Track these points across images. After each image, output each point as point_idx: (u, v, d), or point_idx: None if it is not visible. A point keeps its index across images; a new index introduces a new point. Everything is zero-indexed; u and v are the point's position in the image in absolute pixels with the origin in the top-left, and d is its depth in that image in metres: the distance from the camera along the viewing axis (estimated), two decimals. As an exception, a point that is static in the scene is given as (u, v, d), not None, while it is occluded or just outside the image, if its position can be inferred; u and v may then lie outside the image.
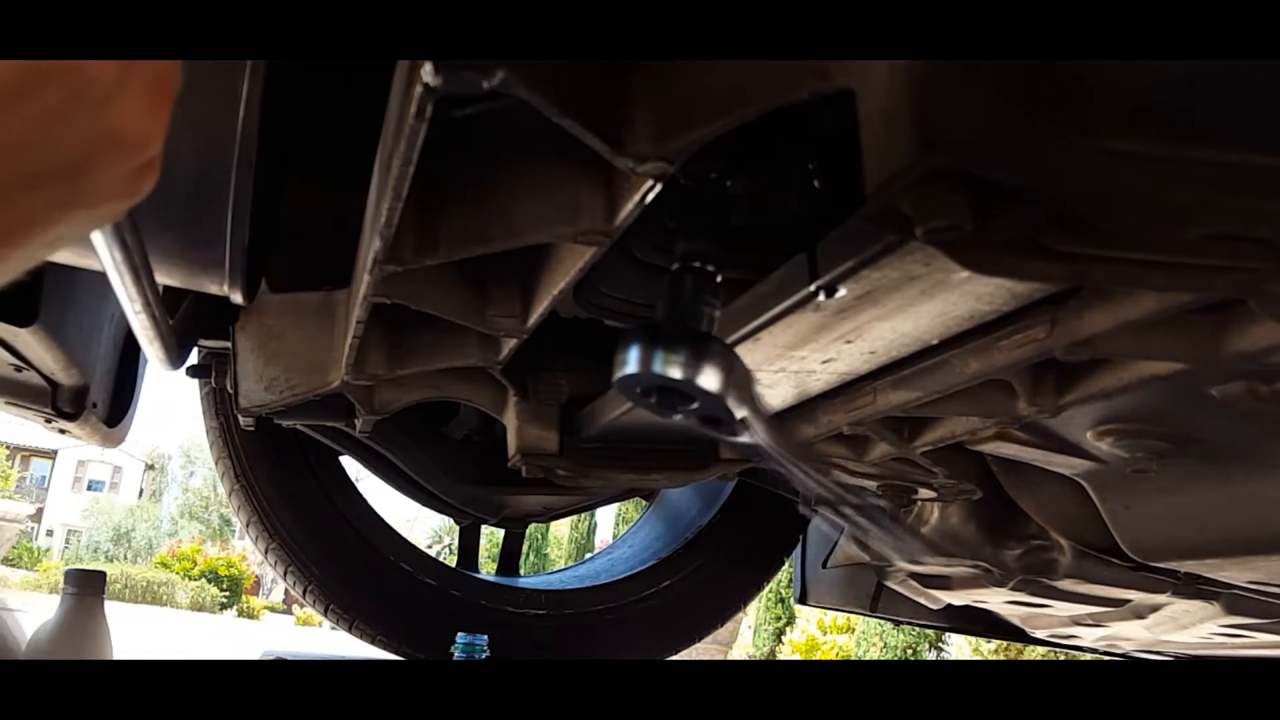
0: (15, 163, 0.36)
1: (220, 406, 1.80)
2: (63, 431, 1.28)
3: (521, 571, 2.18)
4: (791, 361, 0.77)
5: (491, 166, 0.61)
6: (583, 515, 10.99)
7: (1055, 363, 0.72)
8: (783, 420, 0.48)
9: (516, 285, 0.79)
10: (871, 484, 1.16)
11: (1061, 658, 6.50)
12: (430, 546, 13.96)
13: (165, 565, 18.15)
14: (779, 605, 11.06)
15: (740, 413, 0.49)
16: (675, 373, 0.50)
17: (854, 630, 9.81)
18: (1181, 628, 1.40)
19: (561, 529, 14.39)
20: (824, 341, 0.72)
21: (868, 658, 9.22)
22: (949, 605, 1.67)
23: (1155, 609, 1.37)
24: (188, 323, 1.00)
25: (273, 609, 19.38)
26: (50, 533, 27.55)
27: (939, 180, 0.41)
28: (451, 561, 2.04)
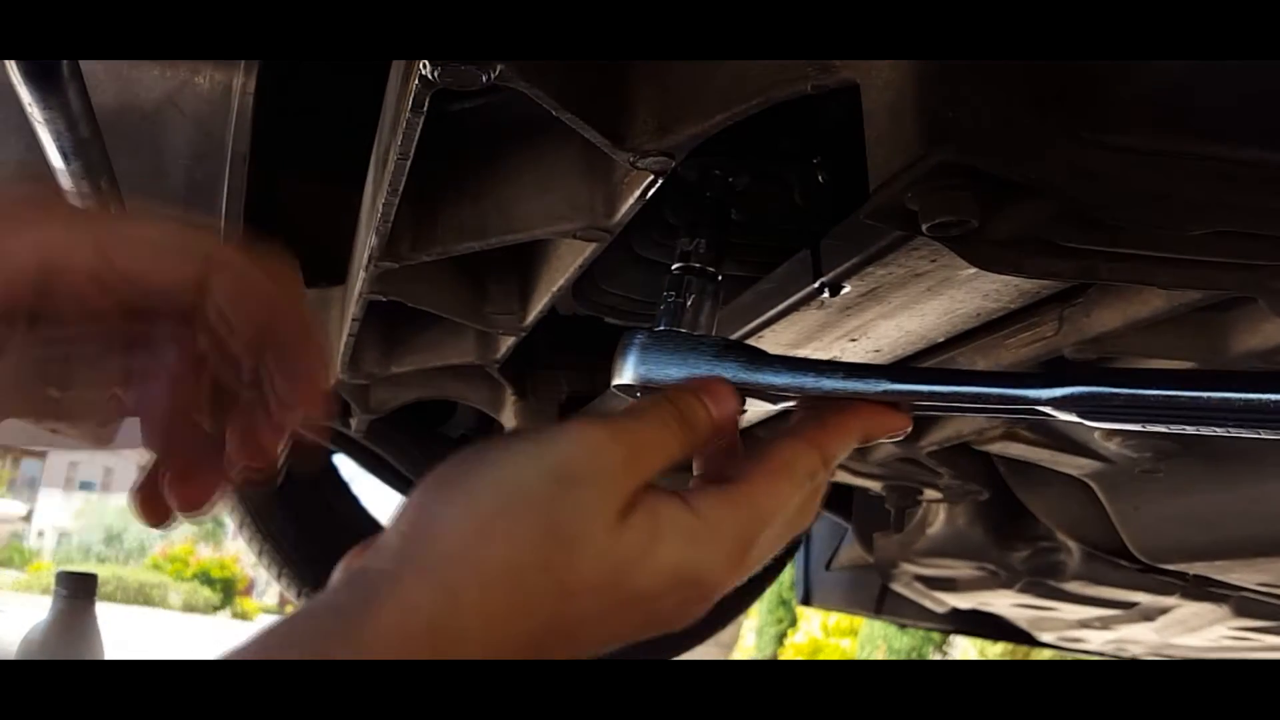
0: (592, 651, 0.40)
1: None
2: (53, 431, 1.27)
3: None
4: (795, 361, 0.77)
5: (489, 161, 0.61)
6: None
7: (1063, 360, 0.72)
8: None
9: (515, 282, 0.78)
10: (876, 485, 1.15)
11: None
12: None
13: (158, 567, 18.17)
14: (781, 607, 11.05)
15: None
16: (670, 381, 0.49)
17: (857, 633, 9.80)
18: (1190, 631, 1.39)
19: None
20: (828, 339, 0.71)
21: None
22: (954, 608, 1.66)
23: (1164, 611, 1.37)
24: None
25: (267, 611, 19.41)
26: (41, 533, 27.57)
27: (945, 176, 0.40)
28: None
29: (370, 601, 0.34)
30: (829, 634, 10.11)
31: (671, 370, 0.49)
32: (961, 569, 1.38)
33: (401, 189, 0.52)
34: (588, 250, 0.62)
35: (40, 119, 0.44)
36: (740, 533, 0.40)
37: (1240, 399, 0.40)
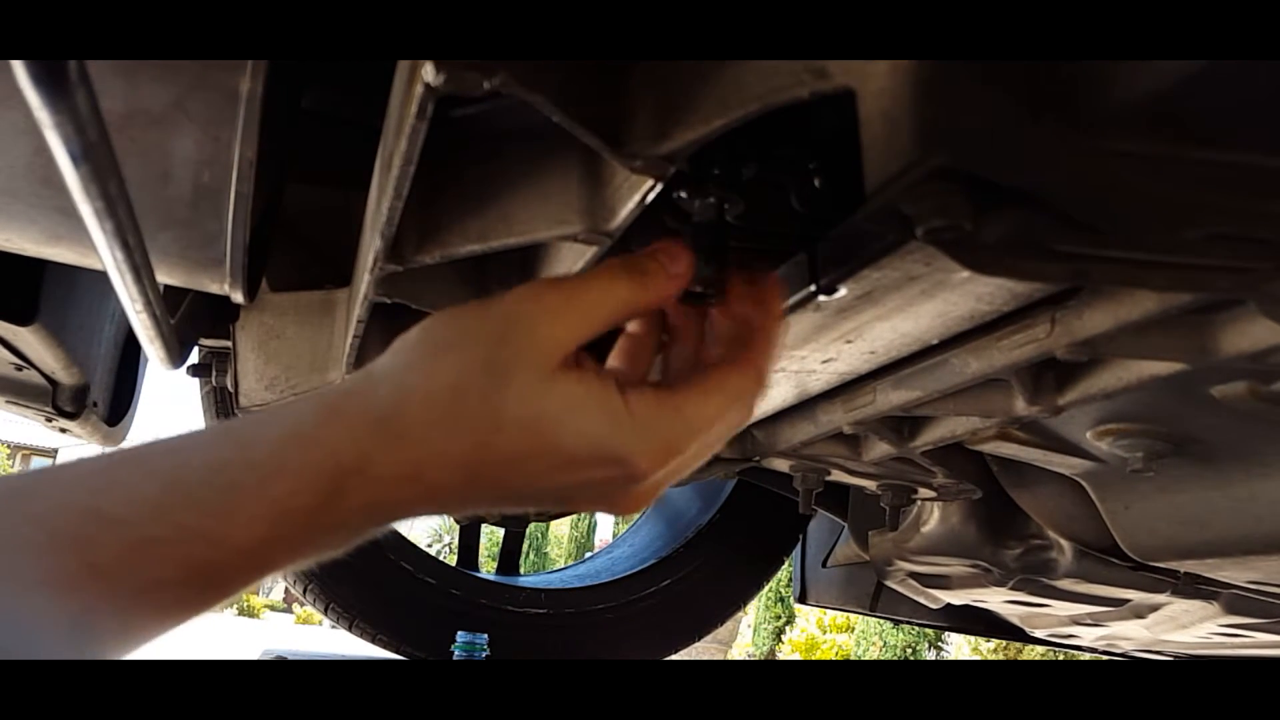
0: (530, 501, 0.45)
1: (221, 405, 1.80)
2: (63, 430, 1.28)
3: (521, 570, 2.18)
4: (792, 361, 0.77)
5: (491, 166, 0.61)
6: (583, 514, 11.01)
7: (1055, 362, 0.73)
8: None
9: (516, 284, 0.79)
10: (871, 484, 1.16)
11: (1061, 657, 6.50)
12: (430, 545, 13.96)
13: (165, 564, 18.07)
14: (779, 604, 11.06)
15: None
16: None
17: (853, 629, 9.81)
18: (1181, 627, 1.40)
19: (561, 528, 14.41)
20: (824, 341, 0.72)
21: (867, 657, 9.23)
22: (948, 604, 1.67)
23: (1155, 608, 1.37)
24: (188, 321, 1.00)
25: (273, 607, 19.35)
26: (50, 531, 27.41)
27: (939, 180, 0.41)
28: (451, 560, 2.04)
29: (348, 386, 0.43)
30: (826, 630, 10.13)
31: None
32: (955, 566, 1.38)
33: (406, 193, 0.52)
34: (588, 254, 0.62)
35: (48, 122, 0.44)
36: (667, 435, 0.44)
37: None
